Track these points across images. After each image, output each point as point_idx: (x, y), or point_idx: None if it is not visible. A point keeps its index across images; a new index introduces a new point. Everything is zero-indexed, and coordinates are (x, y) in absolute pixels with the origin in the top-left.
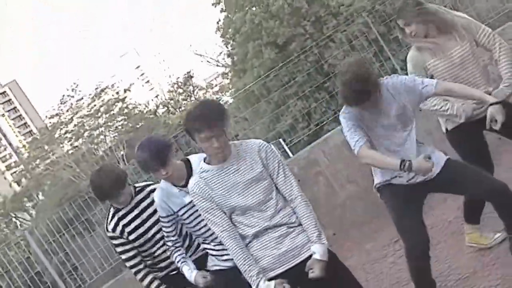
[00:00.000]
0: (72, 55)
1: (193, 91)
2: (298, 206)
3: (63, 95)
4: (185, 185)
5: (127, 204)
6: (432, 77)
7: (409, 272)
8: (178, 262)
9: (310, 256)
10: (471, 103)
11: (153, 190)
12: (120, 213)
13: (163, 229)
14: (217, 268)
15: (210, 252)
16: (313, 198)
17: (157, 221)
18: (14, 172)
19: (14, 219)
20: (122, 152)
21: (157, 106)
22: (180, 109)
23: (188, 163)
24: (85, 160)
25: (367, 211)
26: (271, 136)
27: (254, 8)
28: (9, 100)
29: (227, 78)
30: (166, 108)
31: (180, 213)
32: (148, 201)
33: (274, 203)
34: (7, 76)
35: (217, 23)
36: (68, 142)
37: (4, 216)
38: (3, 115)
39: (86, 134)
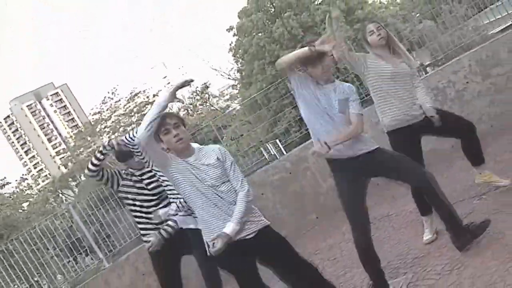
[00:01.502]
0: (71, 55)
1: (208, 98)
2: (238, 196)
3: (105, 97)
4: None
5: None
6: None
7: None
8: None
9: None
10: (399, 113)
11: None
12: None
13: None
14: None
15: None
16: (301, 188)
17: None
18: (62, 157)
19: (60, 195)
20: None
21: (179, 109)
22: (197, 112)
23: None
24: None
25: None
26: (270, 137)
27: (260, 34)
28: (61, 99)
29: (236, 89)
30: (186, 111)
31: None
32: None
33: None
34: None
35: (230, 45)
36: (106, 135)
37: (52, 192)
38: (55, 111)
39: (121, 129)
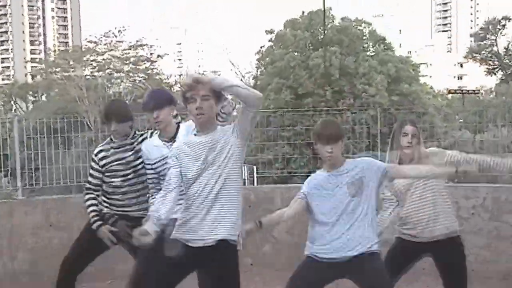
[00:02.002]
0: None
1: None
2: None
3: (109, 31)
4: (169, 141)
5: (122, 140)
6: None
7: None
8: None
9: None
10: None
11: (145, 138)
12: (111, 145)
13: (148, 175)
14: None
15: None
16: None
17: (134, 166)
18: (35, 67)
19: (12, 103)
20: (127, 101)
21: (175, 83)
22: None
23: (178, 126)
24: (95, 90)
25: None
26: (249, 160)
27: (296, 54)
28: (65, 9)
29: None
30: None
31: (157, 163)
32: (137, 146)
33: None
34: None
35: (261, 47)
36: (91, 68)
37: (6, 96)
38: (53, 17)
39: (108, 71)
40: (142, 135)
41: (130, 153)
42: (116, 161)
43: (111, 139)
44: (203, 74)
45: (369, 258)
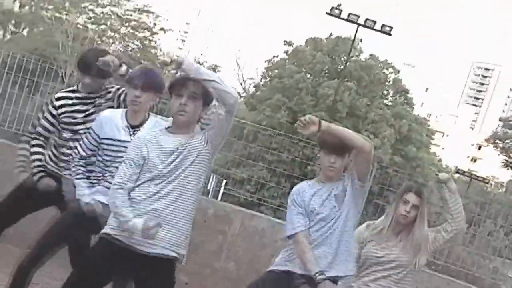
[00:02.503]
0: None
1: None
2: None
3: None
4: (132, 128)
5: (87, 93)
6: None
7: None
8: (77, 173)
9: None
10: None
11: (119, 95)
12: (75, 95)
13: (84, 140)
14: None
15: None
16: (199, 242)
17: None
18: None
19: None
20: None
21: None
22: None
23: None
24: (82, 43)
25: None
26: (221, 171)
27: (308, 76)
28: None
29: (239, 100)
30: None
31: (105, 141)
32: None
33: None
34: None
35: (273, 57)
36: (85, 18)
37: None
38: None
39: (103, 27)
40: (108, 92)
41: (91, 106)
42: (74, 112)
43: (77, 88)
44: (202, 64)
45: None
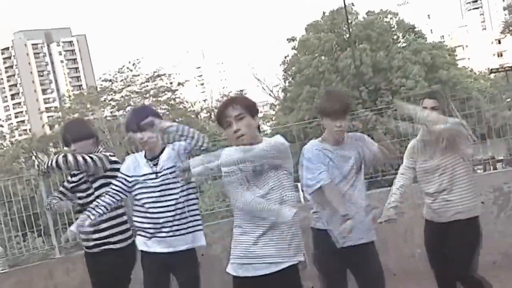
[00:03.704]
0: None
1: None
2: None
3: (123, 66)
4: (153, 159)
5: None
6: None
7: None
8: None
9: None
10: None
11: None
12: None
13: (112, 185)
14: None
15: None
16: None
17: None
18: (51, 116)
19: (34, 158)
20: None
21: (201, 109)
22: None
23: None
24: (118, 131)
25: None
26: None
27: (323, 58)
28: (73, 50)
29: (274, 110)
30: (209, 114)
31: (130, 179)
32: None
33: None
34: (79, 29)
35: (285, 57)
36: (110, 108)
37: (26, 151)
38: (62, 61)
39: (128, 109)
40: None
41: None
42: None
43: None
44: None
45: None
